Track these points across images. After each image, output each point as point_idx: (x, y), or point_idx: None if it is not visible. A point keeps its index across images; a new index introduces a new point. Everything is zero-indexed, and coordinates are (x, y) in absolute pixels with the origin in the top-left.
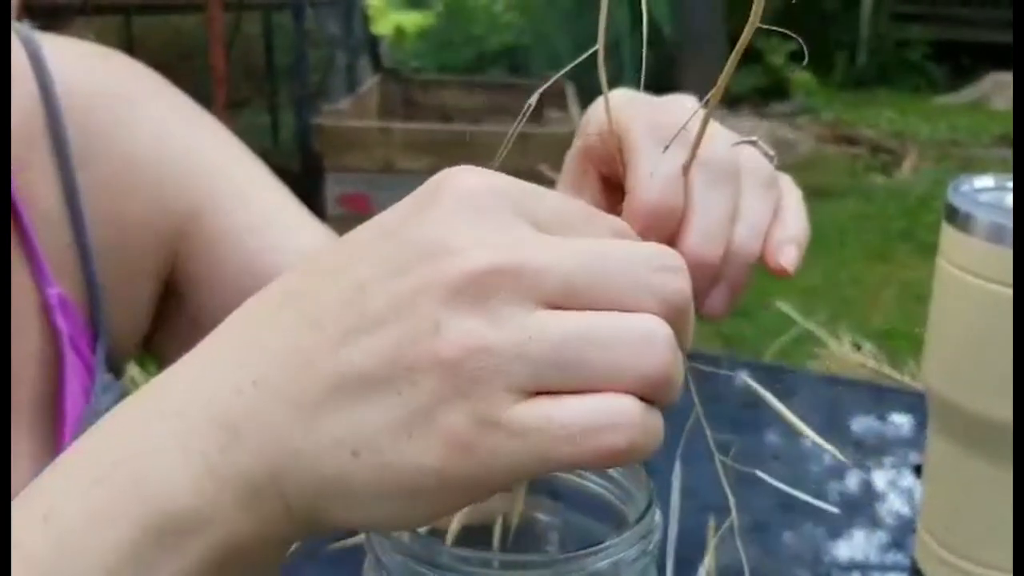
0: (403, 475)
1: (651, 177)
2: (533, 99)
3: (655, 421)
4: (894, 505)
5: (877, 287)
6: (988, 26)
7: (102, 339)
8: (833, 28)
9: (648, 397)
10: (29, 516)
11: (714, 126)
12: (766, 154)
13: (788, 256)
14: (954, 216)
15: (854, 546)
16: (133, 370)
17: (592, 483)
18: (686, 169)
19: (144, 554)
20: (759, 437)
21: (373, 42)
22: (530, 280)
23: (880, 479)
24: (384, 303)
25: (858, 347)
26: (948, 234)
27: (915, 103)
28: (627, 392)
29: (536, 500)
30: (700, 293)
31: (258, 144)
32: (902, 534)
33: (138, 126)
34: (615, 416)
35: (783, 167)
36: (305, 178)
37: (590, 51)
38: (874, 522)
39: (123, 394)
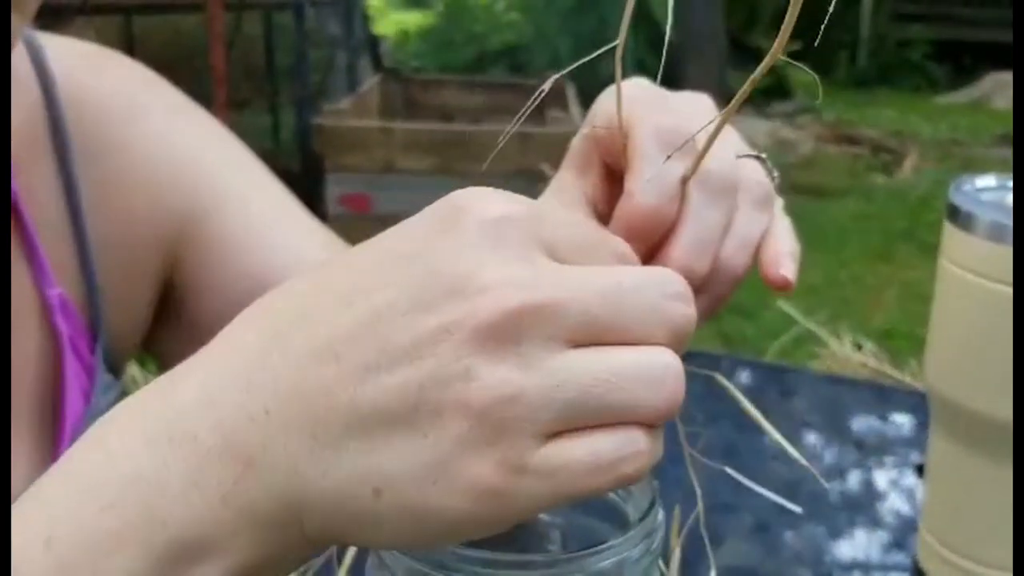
0: (427, 517)
1: (648, 184)
2: (535, 98)
3: (660, 444)
4: (895, 505)
5: (878, 287)
6: (989, 26)
7: (102, 339)
8: (834, 28)
9: (656, 425)
10: (30, 539)
11: (727, 131)
12: (769, 172)
13: (788, 268)
14: (956, 215)
15: (856, 546)
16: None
17: None
18: (685, 180)
19: None
20: (760, 438)
21: (374, 42)
22: (555, 318)
23: (881, 479)
24: (407, 338)
25: (859, 347)
26: (950, 233)
27: (916, 103)
28: (640, 424)
29: None
30: None
31: (258, 144)
32: (903, 534)
33: (138, 127)
34: (631, 448)
35: (784, 166)
36: (306, 178)
37: (609, 45)
38: (875, 522)
39: (123, 394)
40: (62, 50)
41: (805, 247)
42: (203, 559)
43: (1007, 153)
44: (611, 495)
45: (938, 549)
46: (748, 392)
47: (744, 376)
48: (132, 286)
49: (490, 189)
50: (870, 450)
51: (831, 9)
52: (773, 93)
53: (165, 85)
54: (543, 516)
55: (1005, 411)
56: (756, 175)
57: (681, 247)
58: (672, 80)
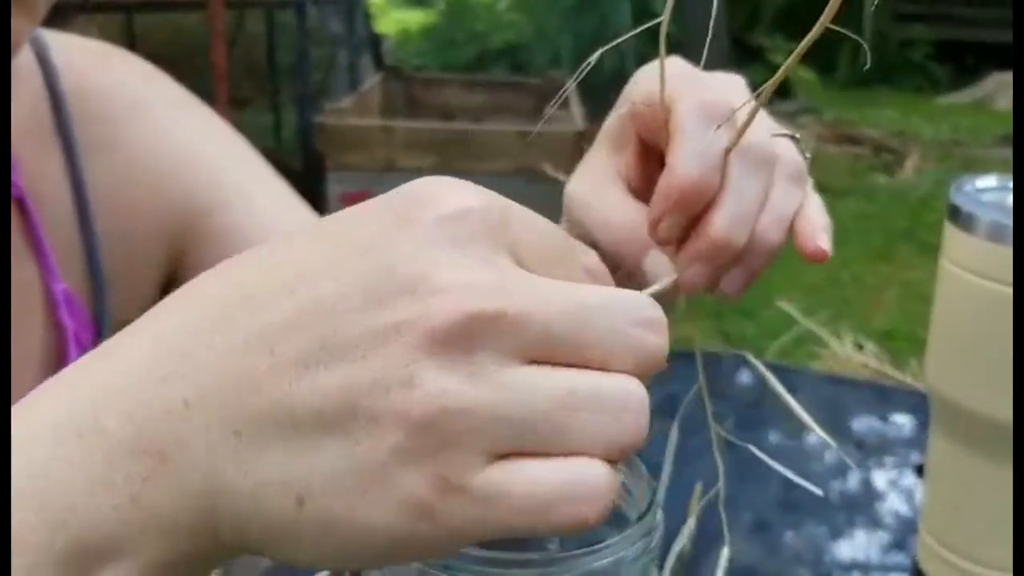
0: (351, 532)
1: (691, 156)
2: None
3: (616, 482)
4: (895, 505)
5: (879, 287)
6: (991, 26)
7: (106, 334)
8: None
9: (615, 459)
10: None
11: (759, 113)
12: (802, 152)
13: (823, 240)
14: (957, 215)
15: (855, 546)
16: None
17: None
18: (727, 152)
19: None
20: (762, 435)
21: (375, 41)
22: (513, 329)
23: (881, 479)
24: (351, 335)
25: (860, 347)
26: (951, 233)
27: (917, 103)
28: (598, 456)
29: None
30: (719, 273)
31: (260, 142)
32: (903, 534)
33: (142, 122)
34: (585, 487)
35: None
36: (307, 177)
37: (654, 21)
38: (875, 522)
39: None
40: (65, 46)
41: None
42: (109, 561)
43: (1008, 153)
44: None
45: (938, 549)
46: (748, 392)
47: (744, 375)
48: (136, 280)
49: (454, 179)
50: (870, 450)
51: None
52: (774, 92)
53: (167, 80)
54: None
55: (1005, 411)
56: (791, 152)
57: (721, 218)
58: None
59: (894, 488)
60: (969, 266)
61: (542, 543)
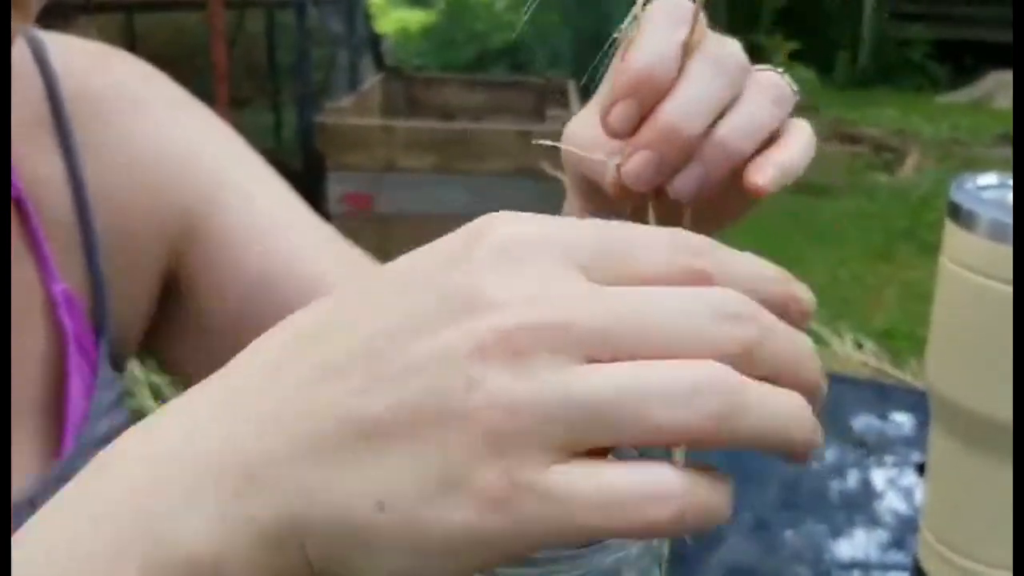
0: (431, 532)
1: (647, 45)
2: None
3: (704, 493)
4: (895, 504)
5: (879, 286)
6: (990, 25)
7: (105, 335)
8: (834, 27)
9: (702, 448)
10: (25, 557)
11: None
12: (790, 86)
13: (765, 174)
14: (957, 214)
15: (855, 545)
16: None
17: None
18: (687, 48)
19: None
20: None
21: (375, 40)
22: (569, 333)
23: (882, 478)
24: (413, 355)
25: (860, 346)
26: (951, 232)
27: (917, 102)
28: (675, 444)
29: None
30: (668, 169)
31: (260, 142)
32: (904, 533)
33: (141, 124)
34: (656, 487)
35: None
36: (307, 177)
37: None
38: (875, 521)
39: (124, 391)
40: (64, 47)
41: (805, 245)
42: (203, 574)
43: (1008, 152)
44: None
45: (938, 548)
46: None
47: None
48: (136, 281)
49: (512, 212)
50: (871, 449)
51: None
52: None
53: (166, 81)
54: None
55: (1005, 410)
56: (775, 77)
57: (671, 103)
58: None
59: (894, 487)
60: (970, 264)
61: None
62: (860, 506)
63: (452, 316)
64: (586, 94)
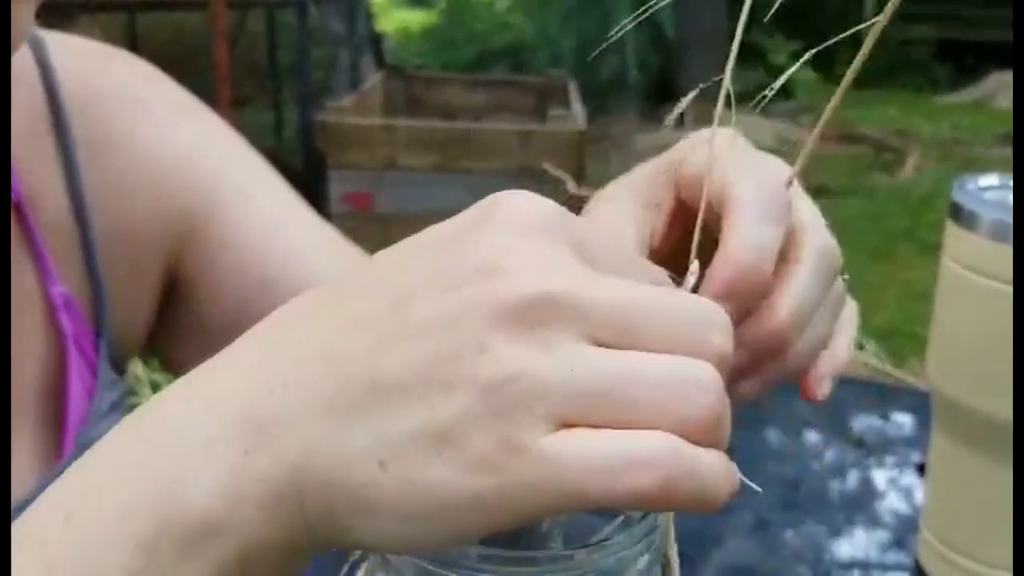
0: (429, 492)
1: (748, 243)
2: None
3: (705, 466)
4: (896, 504)
5: (880, 286)
6: (991, 25)
7: (105, 337)
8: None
9: (689, 439)
10: (51, 515)
11: (821, 218)
12: (841, 275)
13: (824, 389)
14: (958, 214)
15: (856, 545)
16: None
17: None
18: (788, 182)
19: (164, 554)
20: (762, 435)
21: (376, 40)
22: (581, 311)
23: (882, 477)
24: (430, 315)
25: (861, 346)
26: (952, 232)
27: (918, 102)
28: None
29: None
30: (743, 370)
31: (261, 142)
32: (904, 533)
33: (142, 125)
34: (647, 455)
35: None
36: (308, 176)
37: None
38: (876, 521)
39: (126, 392)
40: (65, 47)
41: None
42: (210, 535)
43: (1009, 153)
44: None
45: (939, 548)
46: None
47: None
48: (136, 283)
49: (530, 193)
50: (871, 449)
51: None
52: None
53: (167, 82)
54: None
55: (1006, 410)
56: (840, 286)
57: (783, 312)
58: (674, 78)
59: (895, 487)
60: (971, 264)
61: (545, 541)
62: (860, 506)
63: (471, 279)
64: (586, 95)
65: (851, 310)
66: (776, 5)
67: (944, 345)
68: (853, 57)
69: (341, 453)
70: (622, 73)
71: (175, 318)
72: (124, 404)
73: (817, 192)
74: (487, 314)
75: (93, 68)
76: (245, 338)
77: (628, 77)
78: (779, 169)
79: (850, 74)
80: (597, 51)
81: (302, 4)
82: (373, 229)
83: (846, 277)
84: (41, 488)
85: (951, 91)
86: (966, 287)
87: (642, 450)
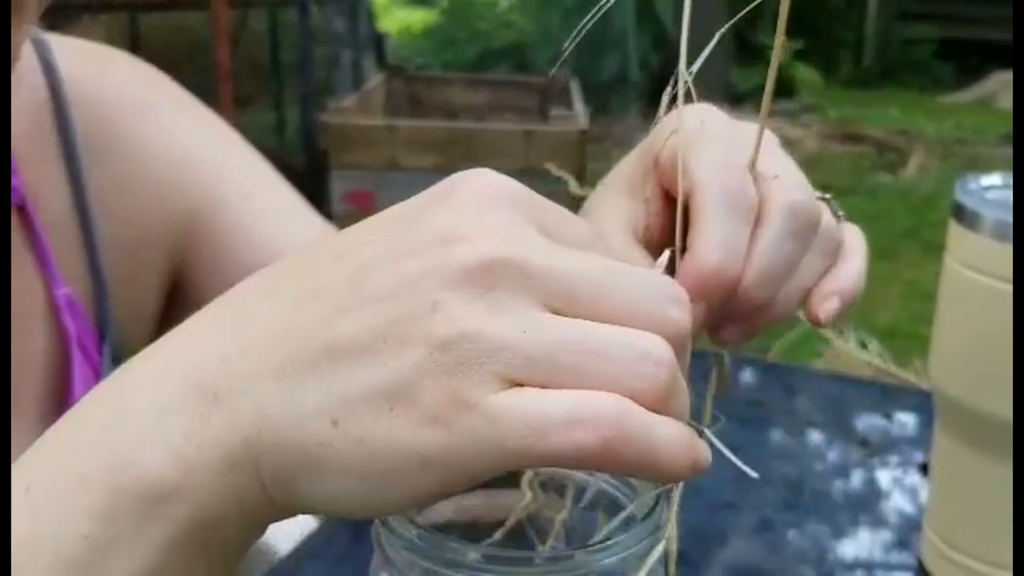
0: (380, 450)
1: (717, 245)
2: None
3: (651, 429)
4: (900, 503)
5: (882, 285)
6: (994, 24)
7: (109, 338)
8: (838, 26)
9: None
10: (16, 488)
11: (796, 169)
12: (835, 212)
13: (827, 309)
14: (961, 214)
15: (859, 545)
16: None
17: (599, 479)
18: (753, 176)
19: (119, 521)
20: (765, 435)
21: (378, 39)
22: (535, 278)
23: (886, 478)
24: (386, 282)
25: (864, 345)
26: (955, 232)
27: (921, 102)
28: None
29: (544, 497)
30: (718, 317)
31: (263, 141)
32: (907, 533)
33: (144, 126)
34: (589, 412)
35: None
36: (310, 175)
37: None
38: (879, 521)
39: None
40: (70, 50)
41: None
42: (164, 502)
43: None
44: (616, 491)
45: (942, 548)
46: (752, 391)
47: (748, 374)
48: (139, 285)
49: (491, 170)
50: (874, 449)
51: None
52: (776, 91)
53: (169, 83)
54: (547, 512)
55: (1009, 410)
56: (831, 222)
57: (749, 278)
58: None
59: (898, 487)
60: (974, 264)
61: (548, 541)
62: (864, 506)
63: (426, 246)
64: (589, 94)
65: (854, 237)
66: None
67: (947, 345)
68: (855, 56)
69: (294, 413)
70: (624, 72)
71: (178, 318)
72: None
73: (820, 191)
74: (442, 276)
75: (95, 70)
76: (198, 314)
77: (630, 76)
78: (746, 146)
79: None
80: (569, 46)
81: (304, 4)
82: None
83: (827, 197)
84: None
85: (954, 90)
86: (969, 287)
87: (586, 408)
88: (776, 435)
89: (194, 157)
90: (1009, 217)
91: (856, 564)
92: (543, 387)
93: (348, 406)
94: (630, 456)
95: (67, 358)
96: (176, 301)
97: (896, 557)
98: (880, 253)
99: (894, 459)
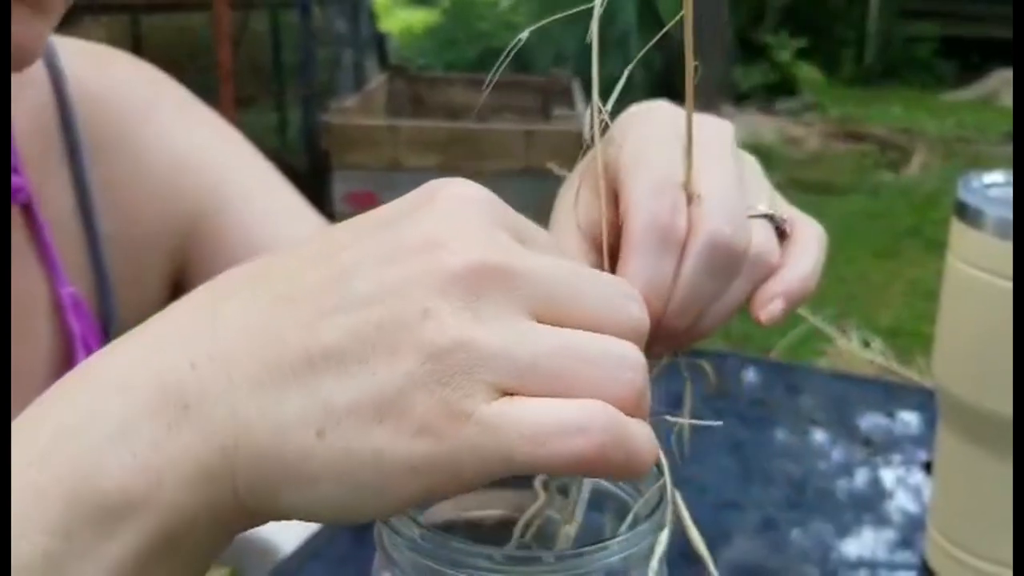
0: (367, 461)
1: (643, 283)
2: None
3: (635, 435)
4: (903, 502)
5: (885, 284)
6: (996, 22)
7: (112, 337)
8: (840, 24)
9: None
10: None
11: (728, 188)
12: (779, 224)
13: (771, 311)
14: (964, 212)
15: (863, 543)
16: None
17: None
18: (688, 196)
19: (78, 537)
20: (768, 434)
21: (380, 40)
22: (519, 284)
23: (889, 476)
24: (370, 286)
25: (867, 344)
26: (958, 230)
27: (923, 100)
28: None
29: (547, 496)
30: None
31: (265, 142)
32: (911, 531)
33: (146, 127)
34: (584, 420)
35: (790, 163)
36: (312, 176)
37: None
38: (883, 519)
39: None
40: (73, 51)
41: None
42: (127, 516)
43: None
44: (619, 491)
45: (946, 547)
46: (754, 390)
47: (750, 374)
48: (142, 283)
49: (468, 180)
50: (878, 447)
51: None
52: (779, 90)
53: (171, 83)
54: (551, 512)
55: (1012, 408)
56: (764, 243)
57: (674, 305)
58: (677, 76)
59: (902, 485)
60: (976, 262)
61: (551, 541)
62: (867, 505)
63: (412, 252)
64: (590, 93)
65: (810, 233)
66: None
67: (950, 343)
68: (857, 55)
69: (275, 424)
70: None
71: None
72: None
73: (822, 190)
74: (431, 282)
75: (98, 70)
76: (164, 313)
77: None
78: (673, 159)
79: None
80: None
81: (305, 4)
82: None
83: (769, 213)
84: None
85: (956, 88)
86: (971, 285)
87: (583, 416)
88: (779, 434)
89: (196, 158)
90: (1011, 215)
91: (860, 563)
92: (531, 394)
93: (334, 416)
94: (618, 460)
95: (71, 357)
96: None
97: (900, 556)
98: (882, 252)
99: (897, 458)
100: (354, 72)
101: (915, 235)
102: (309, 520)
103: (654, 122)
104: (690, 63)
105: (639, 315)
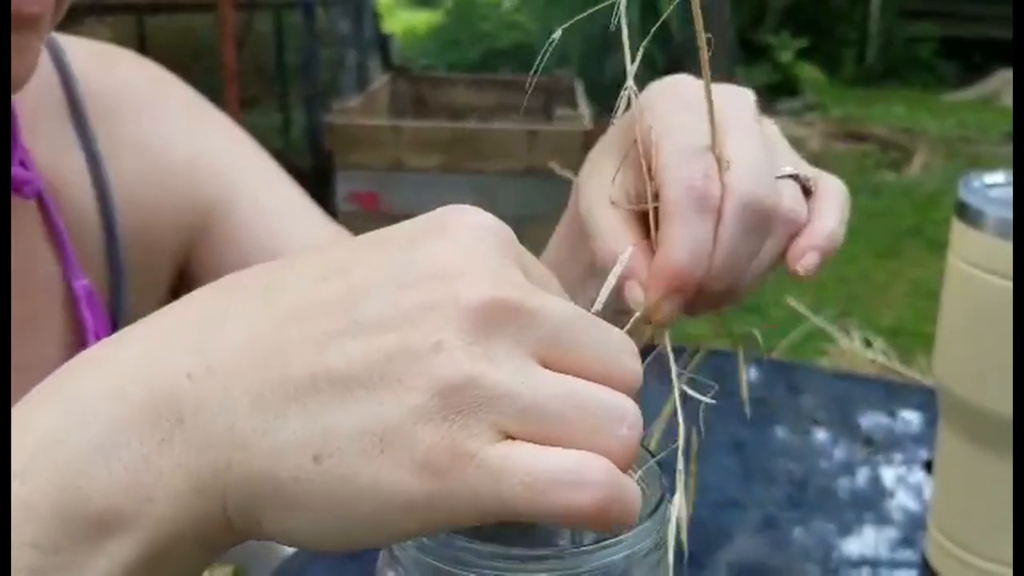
0: (363, 491)
1: (685, 245)
2: None
3: (629, 491)
4: (904, 501)
5: (886, 283)
6: (997, 22)
7: (121, 328)
8: (841, 25)
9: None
10: None
11: (773, 137)
12: (804, 182)
13: (806, 264)
14: (965, 212)
15: (864, 542)
16: None
17: None
18: (717, 159)
19: (66, 551)
20: (770, 432)
21: (383, 40)
22: (529, 322)
23: (890, 475)
24: (382, 312)
25: (868, 343)
26: (959, 230)
27: (924, 100)
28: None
29: None
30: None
31: (269, 142)
32: (912, 530)
33: (152, 125)
34: (583, 474)
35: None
36: (315, 176)
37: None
38: (884, 518)
39: None
40: (81, 51)
41: None
42: (116, 531)
43: None
44: None
45: (947, 545)
46: (756, 389)
47: (753, 373)
48: (152, 276)
49: (475, 207)
50: (879, 447)
51: None
52: (780, 90)
53: (178, 83)
54: None
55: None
56: (793, 202)
57: (716, 267)
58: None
59: (903, 484)
60: (977, 262)
61: (553, 538)
62: (869, 504)
63: (427, 279)
64: (593, 94)
65: (832, 187)
66: None
67: (951, 342)
68: (858, 55)
69: (272, 444)
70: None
71: None
72: None
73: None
74: (445, 314)
75: (104, 68)
76: (160, 316)
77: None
78: (701, 128)
79: None
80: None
81: (309, 5)
82: (379, 229)
83: (795, 173)
84: None
85: (958, 89)
86: (972, 285)
87: (585, 470)
88: (781, 433)
89: (202, 155)
90: (1012, 215)
91: (861, 561)
92: (529, 438)
93: (334, 442)
94: (613, 515)
95: (83, 349)
96: (184, 294)
97: (901, 554)
98: (884, 251)
99: (898, 457)
100: (357, 73)
101: (916, 235)
102: (291, 545)
103: (679, 94)
104: (701, 37)
105: (634, 368)
